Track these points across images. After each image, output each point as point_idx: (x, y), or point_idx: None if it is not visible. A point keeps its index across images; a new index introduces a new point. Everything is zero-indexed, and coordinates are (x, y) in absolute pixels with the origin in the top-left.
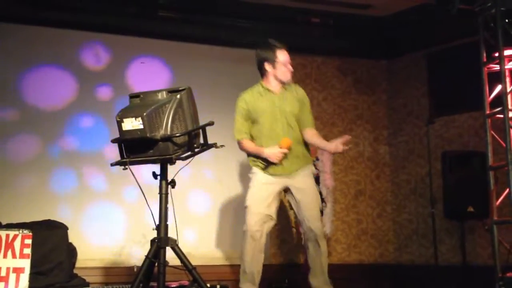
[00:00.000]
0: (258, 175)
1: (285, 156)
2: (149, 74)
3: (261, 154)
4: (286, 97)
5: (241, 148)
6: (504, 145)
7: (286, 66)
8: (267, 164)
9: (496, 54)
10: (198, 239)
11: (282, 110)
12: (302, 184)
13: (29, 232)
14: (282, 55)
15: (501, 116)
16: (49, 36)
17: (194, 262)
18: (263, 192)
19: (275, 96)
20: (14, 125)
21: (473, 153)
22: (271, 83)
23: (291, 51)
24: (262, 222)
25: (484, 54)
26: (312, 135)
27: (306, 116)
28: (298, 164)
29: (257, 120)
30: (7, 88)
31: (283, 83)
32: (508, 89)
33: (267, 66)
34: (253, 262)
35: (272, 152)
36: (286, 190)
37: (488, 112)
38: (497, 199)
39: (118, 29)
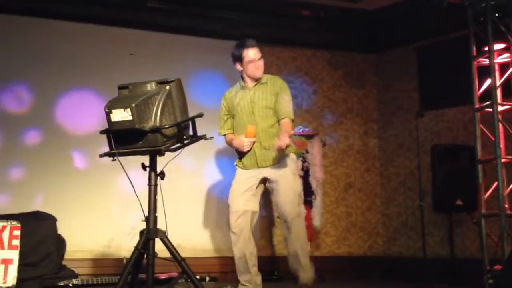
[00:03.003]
0: (238, 173)
1: (256, 145)
2: (139, 67)
3: (233, 145)
4: (261, 92)
5: (226, 142)
6: (493, 138)
7: (254, 63)
8: (241, 156)
9: (486, 48)
10: (188, 231)
11: (255, 105)
12: (276, 174)
13: (18, 224)
14: (248, 54)
15: (490, 110)
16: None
17: (183, 254)
18: (241, 188)
19: (249, 91)
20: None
21: (462, 147)
22: (246, 80)
23: (281, 43)
24: (242, 219)
25: (474, 48)
26: (280, 126)
27: (279, 106)
28: (272, 158)
29: (234, 115)
30: None
31: (256, 79)
32: (498, 83)
33: (238, 66)
34: (242, 249)
35: (238, 142)
36: (265, 181)
37: (477, 106)
38: (486, 192)
39: (105, 20)
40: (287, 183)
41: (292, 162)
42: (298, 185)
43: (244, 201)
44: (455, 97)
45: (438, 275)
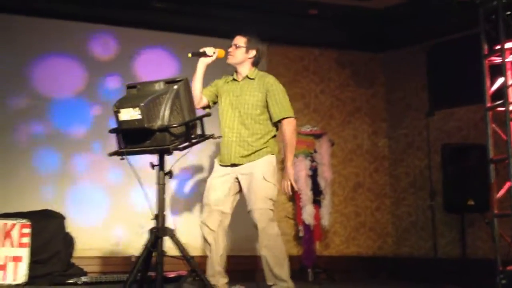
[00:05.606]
0: (215, 169)
1: (235, 139)
2: (155, 65)
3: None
4: (247, 88)
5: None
6: (505, 138)
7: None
8: (221, 148)
9: (498, 47)
10: (196, 230)
11: (240, 100)
12: (247, 177)
13: (27, 222)
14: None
15: (502, 109)
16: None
17: (192, 252)
18: (216, 188)
19: (238, 85)
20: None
21: (473, 146)
22: (238, 72)
23: (288, 43)
24: (216, 219)
25: (485, 47)
26: (281, 133)
27: (273, 108)
28: (247, 156)
29: (219, 104)
30: (17, 77)
31: (238, 70)
32: (510, 82)
33: None
34: (214, 251)
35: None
36: (238, 181)
37: (489, 105)
38: (498, 192)
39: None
40: (256, 188)
41: (266, 164)
42: (269, 189)
43: (215, 199)
44: (465, 96)
45: (449, 276)
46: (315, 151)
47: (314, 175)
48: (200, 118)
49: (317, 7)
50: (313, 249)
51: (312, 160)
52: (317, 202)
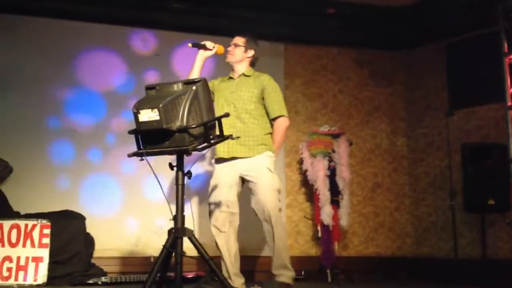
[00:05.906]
0: (216, 169)
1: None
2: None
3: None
4: (244, 84)
5: None
6: None
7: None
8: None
9: None
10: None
11: (235, 96)
12: (252, 171)
13: (48, 222)
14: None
15: None
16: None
17: (210, 253)
18: (221, 189)
19: (233, 82)
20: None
21: (493, 146)
22: (234, 70)
23: (306, 42)
24: (225, 221)
25: (505, 45)
26: (274, 129)
27: (268, 105)
28: (246, 152)
29: (215, 102)
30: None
31: (235, 69)
32: None
33: None
34: (226, 252)
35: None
36: (243, 180)
37: (509, 103)
38: None
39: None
40: (264, 179)
41: (267, 158)
42: (275, 180)
43: (223, 200)
44: (486, 94)
45: (470, 277)
46: (333, 151)
47: (332, 175)
48: (219, 119)
49: (335, 6)
50: (332, 250)
51: (330, 160)
52: (335, 203)
